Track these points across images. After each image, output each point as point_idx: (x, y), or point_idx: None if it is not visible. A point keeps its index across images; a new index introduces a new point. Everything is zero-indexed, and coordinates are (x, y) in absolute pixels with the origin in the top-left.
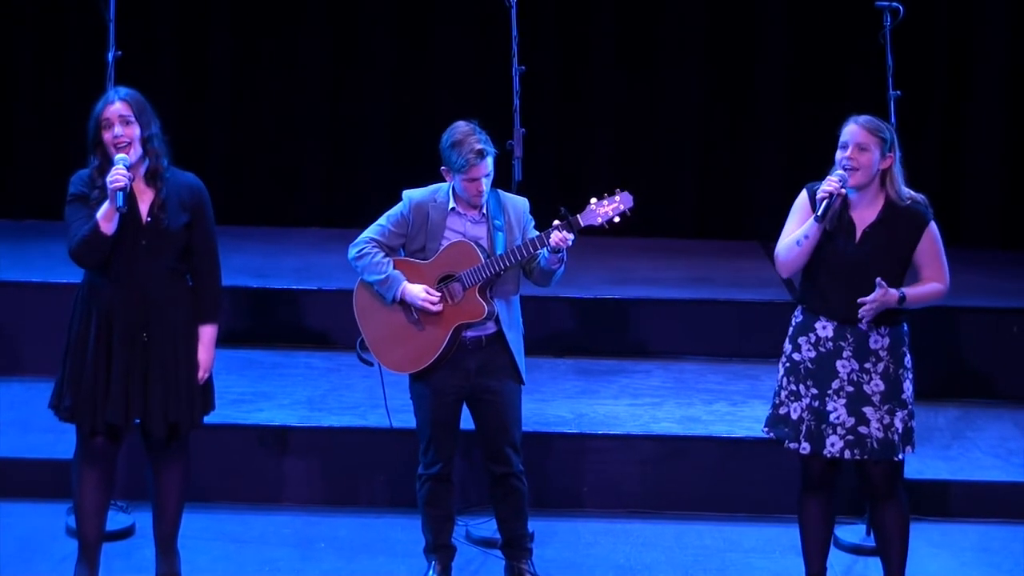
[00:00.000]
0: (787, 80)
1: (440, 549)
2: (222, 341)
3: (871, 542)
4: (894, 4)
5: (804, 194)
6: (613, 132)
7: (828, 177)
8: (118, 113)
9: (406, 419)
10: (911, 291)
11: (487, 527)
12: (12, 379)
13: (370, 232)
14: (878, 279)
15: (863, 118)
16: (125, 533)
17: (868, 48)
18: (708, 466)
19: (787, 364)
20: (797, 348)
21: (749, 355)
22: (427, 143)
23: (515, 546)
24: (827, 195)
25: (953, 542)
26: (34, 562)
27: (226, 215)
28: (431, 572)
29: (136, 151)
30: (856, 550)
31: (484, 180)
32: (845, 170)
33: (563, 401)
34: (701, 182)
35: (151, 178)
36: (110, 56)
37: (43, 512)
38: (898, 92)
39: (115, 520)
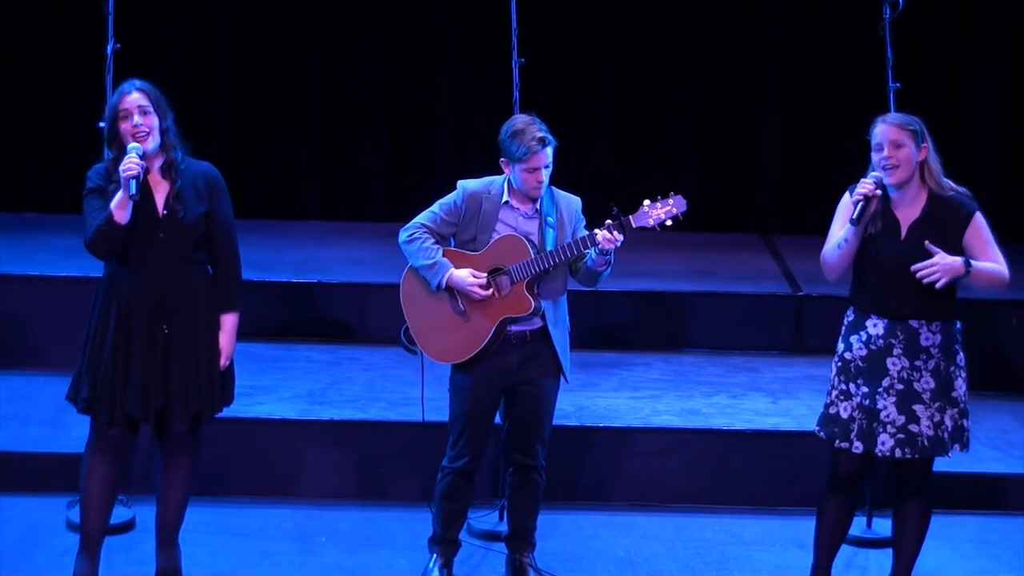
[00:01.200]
0: (789, 72)
1: (446, 543)
2: None
3: (872, 534)
4: None
5: (846, 196)
6: (614, 124)
7: (863, 180)
8: (137, 104)
9: (408, 412)
10: (978, 264)
11: (488, 520)
12: (12, 373)
13: (422, 218)
14: (927, 243)
15: (890, 116)
16: (126, 527)
17: (868, 41)
18: (708, 459)
19: (839, 363)
20: (849, 347)
21: (749, 348)
22: (428, 135)
23: (521, 538)
24: (862, 197)
25: (952, 534)
26: (34, 556)
27: None
28: (433, 565)
29: (155, 140)
30: (858, 542)
31: (544, 171)
32: (884, 170)
33: (563, 394)
34: (703, 175)
35: (166, 170)
36: (109, 49)
37: (44, 506)
38: (898, 85)
39: (116, 514)
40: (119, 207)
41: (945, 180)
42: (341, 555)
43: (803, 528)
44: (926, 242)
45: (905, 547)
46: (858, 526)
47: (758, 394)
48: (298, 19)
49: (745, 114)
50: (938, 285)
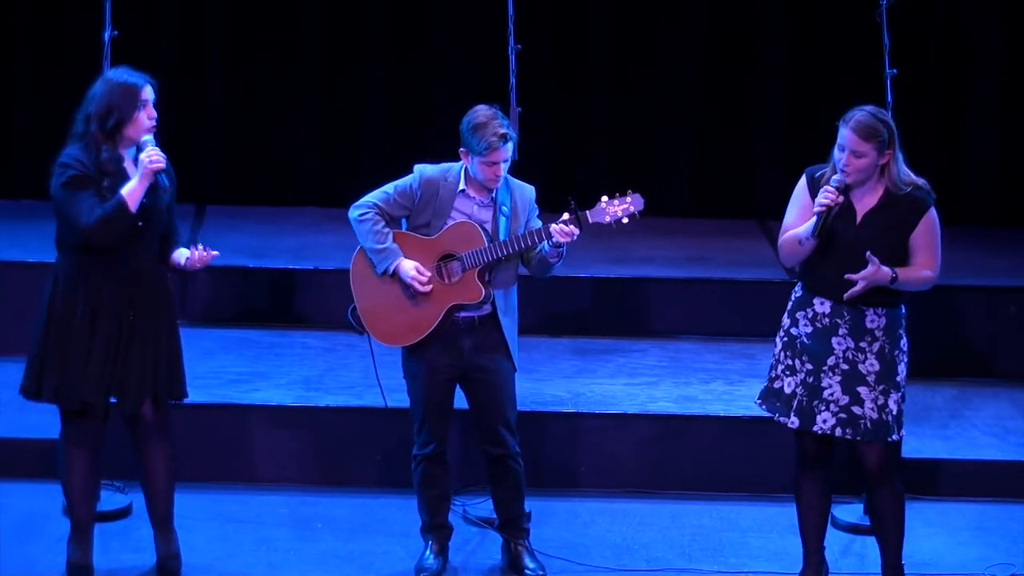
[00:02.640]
0: (785, 58)
1: (436, 529)
2: (219, 321)
3: (868, 521)
4: None
5: (803, 180)
6: (611, 110)
7: (824, 188)
8: (153, 99)
9: (401, 399)
10: (903, 272)
11: (484, 507)
12: (10, 359)
13: (374, 197)
14: (868, 254)
15: (857, 122)
16: (122, 513)
17: (866, 26)
18: (705, 445)
19: (784, 338)
20: (795, 323)
21: (746, 334)
22: (424, 122)
23: (512, 527)
24: (823, 208)
25: (949, 521)
26: (31, 542)
27: (223, 195)
28: (428, 552)
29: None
30: (854, 529)
31: (502, 165)
32: (841, 172)
33: (560, 381)
34: (699, 160)
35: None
36: (106, 36)
37: (40, 492)
38: (894, 71)
39: (112, 500)
40: (135, 194)
41: (904, 177)
42: (338, 542)
43: None
44: (867, 253)
45: (887, 536)
46: (855, 513)
47: (755, 380)
48: (295, 6)
49: (741, 99)
50: (852, 290)
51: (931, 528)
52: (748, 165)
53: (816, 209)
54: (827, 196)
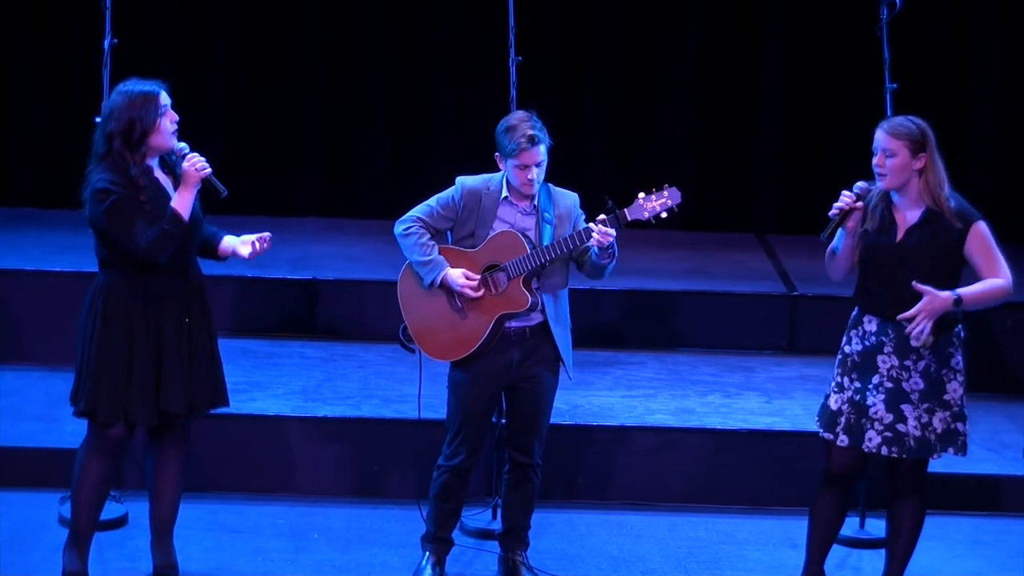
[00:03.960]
0: (786, 71)
1: (439, 541)
2: (217, 331)
3: (865, 535)
4: None
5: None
6: (611, 123)
7: (843, 192)
8: (170, 102)
9: (402, 409)
10: (968, 291)
11: (481, 519)
12: (5, 368)
13: (418, 211)
14: (914, 283)
15: (890, 122)
16: (118, 523)
17: (866, 40)
18: (702, 458)
19: (840, 356)
20: (848, 341)
21: (744, 347)
22: (425, 132)
23: (514, 536)
24: (838, 211)
25: (946, 535)
26: (26, 551)
27: (223, 204)
28: (425, 563)
29: None
30: (850, 543)
31: (535, 169)
32: (877, 175)
33: (558, 392)
34: (699, 174)
35: (171, 170)
36: (106, 44)
37: (36, 501)
38: (895, 85)
39: (108, 509)
40: (185, 204)
41: (946, 195)
42: (334, 552)
43: (796, 528)
44: (913, 283)
45: (898, 547)
46: (851, 526)
47: (752, 393)
48: (296, 15)
49: (742, 113)
50: (926, 333)
51: (929, 541)
52: (748, 178)
53: (831, 212)
54: (843, 200)
